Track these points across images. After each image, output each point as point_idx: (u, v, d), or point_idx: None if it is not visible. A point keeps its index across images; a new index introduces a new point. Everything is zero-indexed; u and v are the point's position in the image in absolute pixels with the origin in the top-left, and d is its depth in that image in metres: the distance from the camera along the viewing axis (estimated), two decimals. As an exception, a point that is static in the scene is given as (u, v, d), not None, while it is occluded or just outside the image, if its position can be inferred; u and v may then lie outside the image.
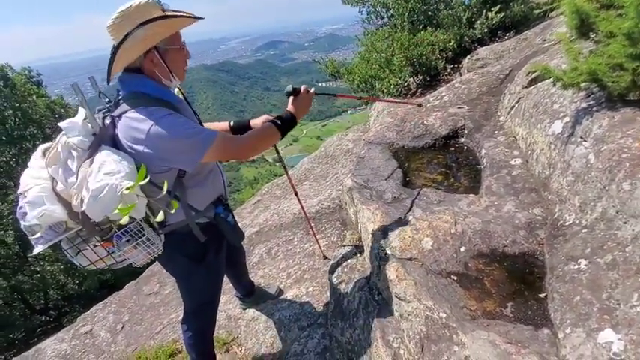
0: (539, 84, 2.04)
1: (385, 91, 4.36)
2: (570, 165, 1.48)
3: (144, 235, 1.27)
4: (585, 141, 1.44)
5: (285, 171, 2.22)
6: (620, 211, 1.18)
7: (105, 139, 1.21)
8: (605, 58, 1.38)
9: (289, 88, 1.54)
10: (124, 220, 1.10)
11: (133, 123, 1.18)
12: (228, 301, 2.50)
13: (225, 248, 1.69)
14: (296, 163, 4.50)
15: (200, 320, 1.78)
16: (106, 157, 1.15)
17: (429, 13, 4.53)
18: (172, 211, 1.22)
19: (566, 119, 1.61)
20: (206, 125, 1.81)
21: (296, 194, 2.17)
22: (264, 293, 2.36)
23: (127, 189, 1.09)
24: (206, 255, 1.55)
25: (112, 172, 1.11)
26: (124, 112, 1.20)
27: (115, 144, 1.23)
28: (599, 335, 1.01)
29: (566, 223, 1.41)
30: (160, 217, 1.15)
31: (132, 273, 5.26)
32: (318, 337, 1.99)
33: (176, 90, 1.46)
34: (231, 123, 1.79)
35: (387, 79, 4.34)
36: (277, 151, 1.96)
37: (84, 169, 1.15)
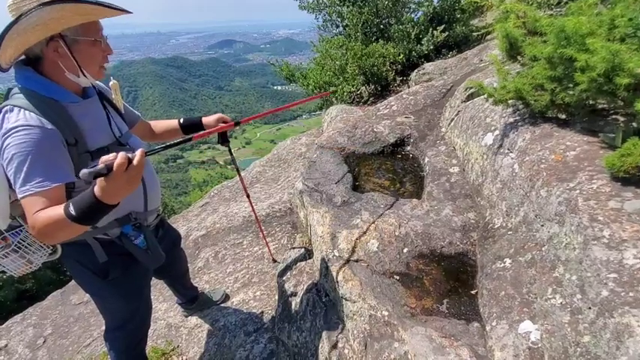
0: (475, 99, 2.23)
1: (339, 98, 4.47)
2: (499, 173, 1.64)
3: (12, 244, 1.17)
4: (511, 152, 1.61)
5: (238, 172, 2.15)
6: (538, 214, 1.33)
7: None
8: (529, 79, 1.55)
9: (84, 172, 0.87)
10: None
11: None
12: (170, 308, 2.36)
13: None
14: (248, 166, 4.40)
15: (122, 338, 1.60)
16: None
17: (381, 26, 4.76)
18: None
19: (497, 132, 1.78)
20: (152, 123, 1.69)
21: (247, 196, 2.12)
22: (208, 300, 2.26)
23: None
24: (109, 271, 1.34)
25: None
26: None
27: None
28: (519, 326, 1.12)
29: (495, 226, 1.55)
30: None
31: (57, 282, 4.72)
32: (264, 342, 1.95)
33: (111, 83, 1.34)
34: (181, 120, 1.67)
35: (340, 86, 4.46)
36: (230, 152, 1.91)
37: None
